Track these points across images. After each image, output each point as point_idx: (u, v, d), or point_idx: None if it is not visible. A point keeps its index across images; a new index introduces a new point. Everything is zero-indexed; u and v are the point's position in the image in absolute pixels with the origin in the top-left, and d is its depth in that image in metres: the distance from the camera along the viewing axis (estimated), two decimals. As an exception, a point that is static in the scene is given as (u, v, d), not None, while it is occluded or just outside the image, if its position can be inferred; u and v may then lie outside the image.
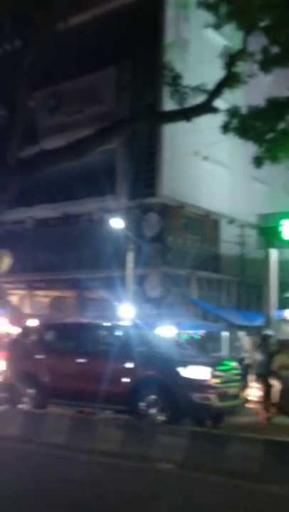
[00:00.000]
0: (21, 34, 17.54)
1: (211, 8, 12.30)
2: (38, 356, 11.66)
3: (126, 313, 18.84)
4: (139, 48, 22.03)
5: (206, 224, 25.55)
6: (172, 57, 16.44)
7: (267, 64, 12.45)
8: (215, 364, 10.78)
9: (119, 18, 22.94)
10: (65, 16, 17.80)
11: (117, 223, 20.45)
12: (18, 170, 18.02)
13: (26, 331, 13.55)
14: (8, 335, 15.46)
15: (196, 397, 9.84)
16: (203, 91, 13.32)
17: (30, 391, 11.39)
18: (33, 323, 16.20)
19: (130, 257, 20.31)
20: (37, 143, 22.37)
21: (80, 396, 10.54)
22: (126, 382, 10.24)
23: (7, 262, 17.93)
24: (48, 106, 24.34)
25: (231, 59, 12.86)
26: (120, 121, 19.34)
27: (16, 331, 14.99)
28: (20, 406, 11.34)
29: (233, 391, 10.57)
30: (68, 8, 17.32)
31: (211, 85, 13.19)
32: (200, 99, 13.51)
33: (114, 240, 21.33)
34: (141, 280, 22.03)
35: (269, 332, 13.73)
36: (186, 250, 23.86)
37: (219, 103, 13.76)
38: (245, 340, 20.63)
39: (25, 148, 19.51)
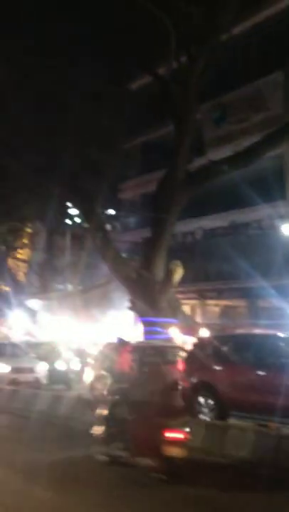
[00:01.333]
0: (187, 49, 17.97)
1: None
2: (216, 367, 11.64)
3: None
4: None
5: None
6: None
7: None
8: None
9: (283, 21, 22.35)
10: (229, 27, 17.85)
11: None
12: (188, 182, 18.39)
13: (202, 341, 13.61)
14: (181, 345, 15.67)
15: None
16: None
17: (210, 402, 11.40)
18: (204, 333, 16.27)
19: (304, 264, 19.54)
20: (204, 154, 22.65)
21: (262, 409, 10.27)
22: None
23: (180, 272, 18.31)
24: (213, 117, 24.49)
25: None
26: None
27: (188, 340, 15.17)
28: (199, 417, 11.40)
29: None
30: (232, 18, 17.33)
31: None
32: None
33: (286, 246, 20.68)
34: (317, 288, 21.01)
35: None
36: None
37: None
38: None
39: (194, 160, 19.87)
